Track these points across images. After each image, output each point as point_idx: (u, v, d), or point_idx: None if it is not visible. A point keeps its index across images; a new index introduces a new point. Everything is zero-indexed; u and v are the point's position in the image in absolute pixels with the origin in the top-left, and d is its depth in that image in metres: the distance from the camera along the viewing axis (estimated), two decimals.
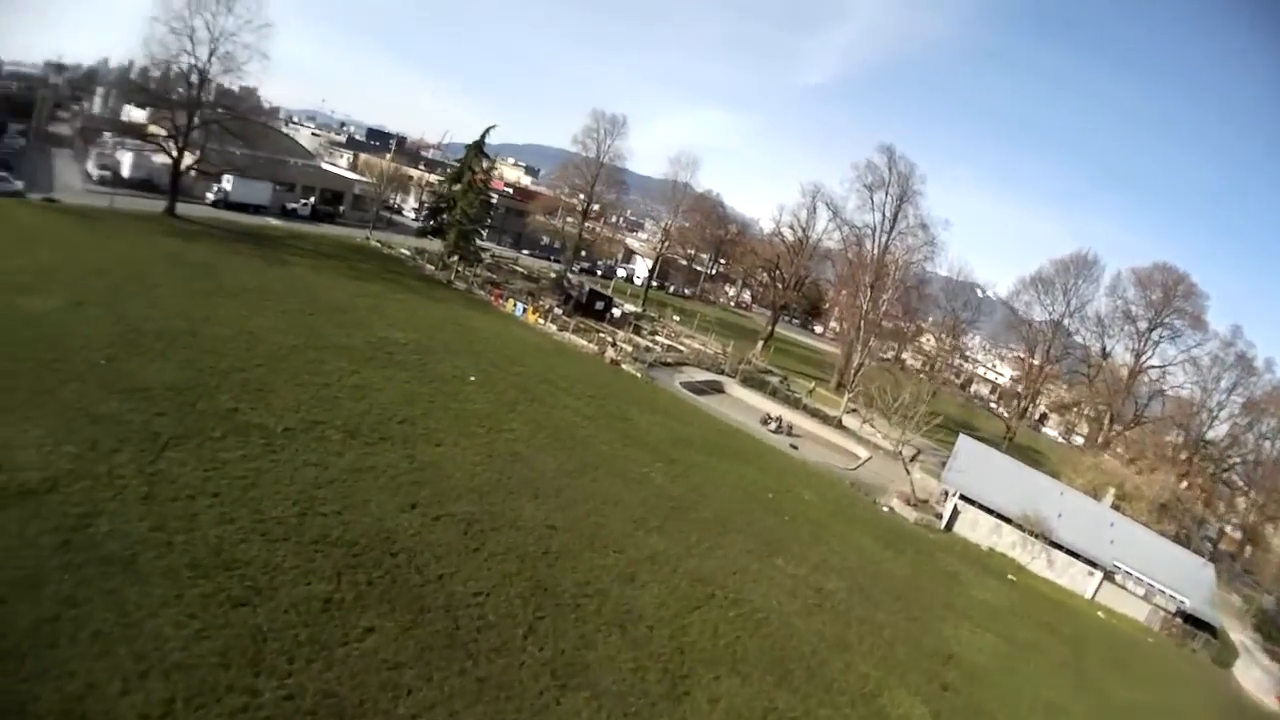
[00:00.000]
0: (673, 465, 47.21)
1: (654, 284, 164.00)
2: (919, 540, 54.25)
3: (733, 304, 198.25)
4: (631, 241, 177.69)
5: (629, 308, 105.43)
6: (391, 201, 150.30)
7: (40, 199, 67.72)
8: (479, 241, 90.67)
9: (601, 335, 78.52)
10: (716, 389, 77.53)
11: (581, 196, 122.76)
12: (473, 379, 49.78)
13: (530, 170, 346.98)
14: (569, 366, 62.49)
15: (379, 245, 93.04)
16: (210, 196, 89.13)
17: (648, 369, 70.58)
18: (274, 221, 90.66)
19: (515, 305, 77.83)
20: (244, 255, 65.55)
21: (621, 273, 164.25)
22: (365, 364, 45.93)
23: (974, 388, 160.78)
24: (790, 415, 74.28)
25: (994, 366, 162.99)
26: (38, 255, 49.03)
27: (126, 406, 31.13)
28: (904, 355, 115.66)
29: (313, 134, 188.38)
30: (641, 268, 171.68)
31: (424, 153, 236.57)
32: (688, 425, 58.01)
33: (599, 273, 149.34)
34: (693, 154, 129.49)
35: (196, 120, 75.89)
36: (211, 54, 74.26)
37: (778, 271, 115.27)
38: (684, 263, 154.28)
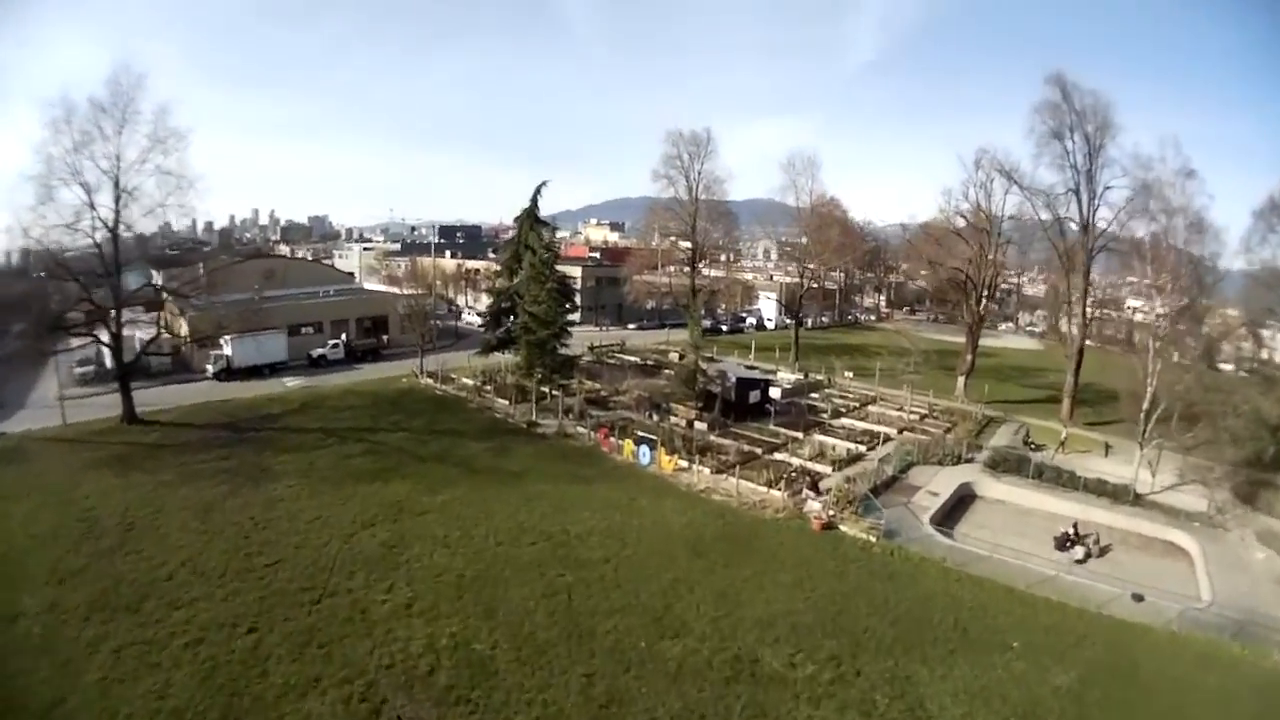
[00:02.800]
0: None
1: (787, 322, 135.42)
2: None
3: (874, 318, 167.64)
4: (747, 276, 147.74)
5: (784, 377, 76.07)
6: (460, 307, 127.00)
7: None
8: (562, 345, 63.12)
9: (781, 463, 48.94)
10: (968, 497, 47.87)
11: (684, 245, 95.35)
12: None
13: (615, 226, 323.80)
14: (761, 579, 32.37)
15: (430, 383, 66.62)
16: (210, 368, 68.15)
17: (874, 513, 40.81)
18: (290, 382, 67.40)
19: (636, 448, 48.52)
20: (203, 478, 41.54)
21: (750, 320, 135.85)
22: None
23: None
24: (1076, 508, 45.20)
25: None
26: None
27: None
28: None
29: (364, 249, 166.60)
30: (768, 307, 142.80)
31: (501, 237, 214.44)
32: (1007, 660, 27.40)
33: (724, 328, 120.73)
34: (808, 154, 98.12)
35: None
36: (119, 197, 51.30)
37: (967, 281, 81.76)
38: (815, 286, 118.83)
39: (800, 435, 55.35)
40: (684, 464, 46.25)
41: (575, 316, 74.48)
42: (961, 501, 46.91)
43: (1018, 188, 72.68)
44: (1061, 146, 67.17)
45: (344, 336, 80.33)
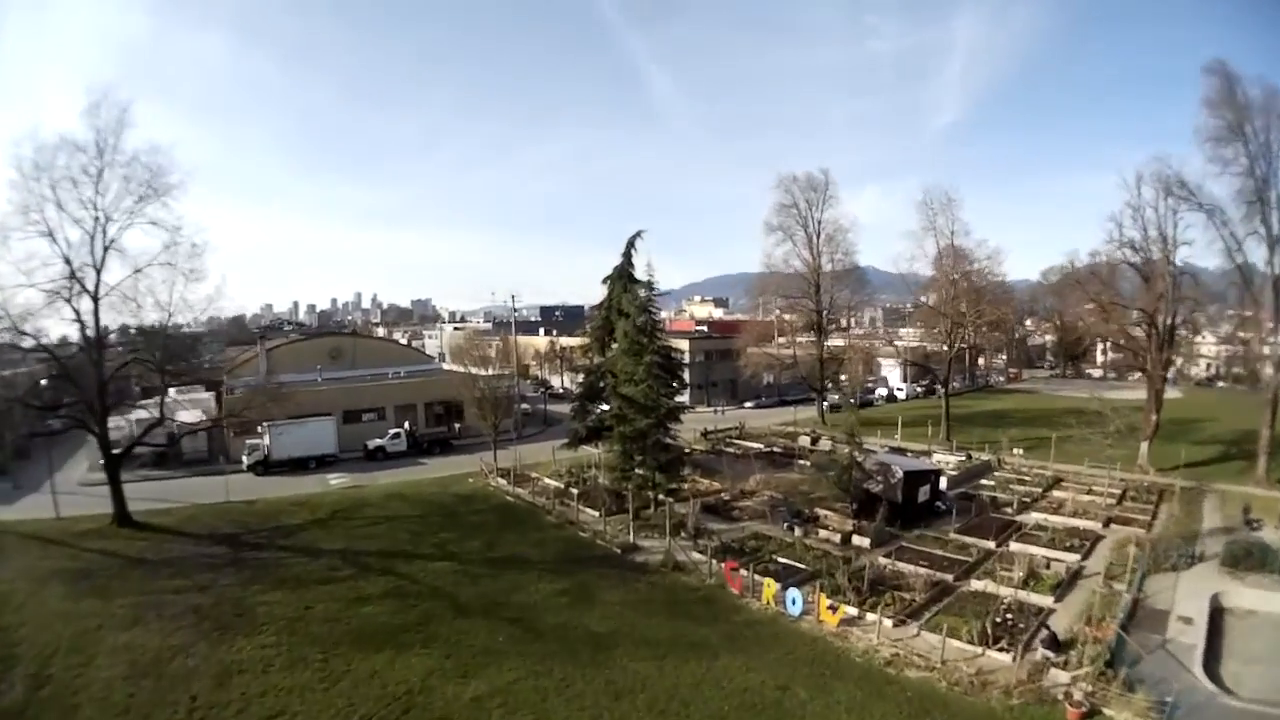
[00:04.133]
0: None
1: (917, 391, 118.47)
2: None
3: (1004, 380, 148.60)
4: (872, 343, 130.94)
5: (943, 459, 60.19)
6: (561, 389, 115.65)
7: None
8: (668, 435, 45.79)
9: (985, 595, 32.75)
10: (1216, 612, 31.24)
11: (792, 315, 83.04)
12: None
13: (720, 302, 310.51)
14: None
15: (501, 484, 53.05)
16: (245, 459, 58.59)
17: (1131, 665, 24.64)
18: (335, 480, 56.55)
19: (779, 591, 31.88)
20: (163, 619, 30.00)
21: (880, 391, 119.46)
22: None
23: None
24: None
25: None
26: None
27: None
28: None
29: (455, 328, 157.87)
30: (893, 376, 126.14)
31: None
32: None
33: (853, 402, 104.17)
34: (944, 190, 79.87)
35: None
36: (106, 249, 42.03)
37: (1151, 328, 63.77)
38: (961, 347, 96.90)
39: (993, 545, 39.10)
40: (852, 611, 30.50)
41: (684, 397, 60.14)
42: (1212, 622, 30.51)
43: (1198, 206, 56.36)
44: (1235, 147, 52.77)
45: (407, 425, 68.20)
